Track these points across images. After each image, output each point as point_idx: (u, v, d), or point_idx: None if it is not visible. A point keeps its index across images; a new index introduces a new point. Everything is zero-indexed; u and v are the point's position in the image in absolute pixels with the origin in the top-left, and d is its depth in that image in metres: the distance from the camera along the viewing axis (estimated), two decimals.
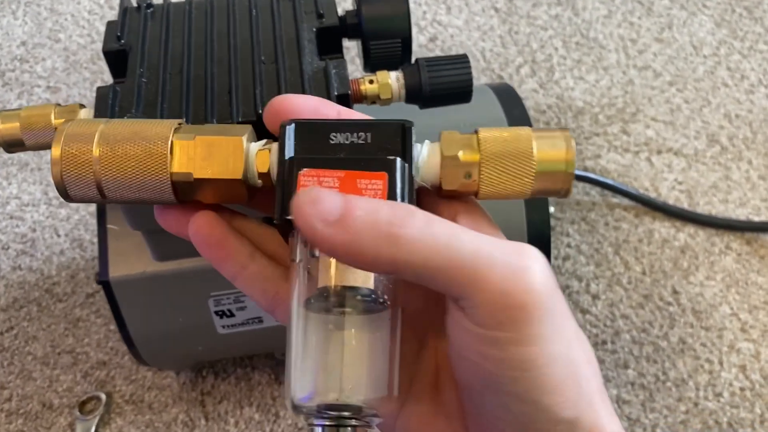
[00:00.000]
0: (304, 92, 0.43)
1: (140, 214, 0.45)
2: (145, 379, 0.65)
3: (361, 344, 0.24)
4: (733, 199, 0.75)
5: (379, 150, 0.25)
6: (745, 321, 0.67)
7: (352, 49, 0.83)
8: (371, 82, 0.45)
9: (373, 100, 0.45)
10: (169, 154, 0.25)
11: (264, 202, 0.28)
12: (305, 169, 0.24)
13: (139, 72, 0.44)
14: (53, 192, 0.77)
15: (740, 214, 0.74)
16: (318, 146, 0.25)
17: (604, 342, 0.66)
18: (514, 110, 0.55)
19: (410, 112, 0.47)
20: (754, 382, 0.63)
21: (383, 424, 0.26)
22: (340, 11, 0.48)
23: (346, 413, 0.24)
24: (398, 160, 0.25)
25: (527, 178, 0.26)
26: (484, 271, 0.22)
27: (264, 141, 0.27)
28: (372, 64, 0.48)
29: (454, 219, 0.26)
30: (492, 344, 0.22)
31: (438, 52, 0.89)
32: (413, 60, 0.47)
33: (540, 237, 0.54)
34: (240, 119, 0.42)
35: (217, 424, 0.62)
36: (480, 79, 0.86)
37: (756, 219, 0.73)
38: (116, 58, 0.46)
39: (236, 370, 0.65)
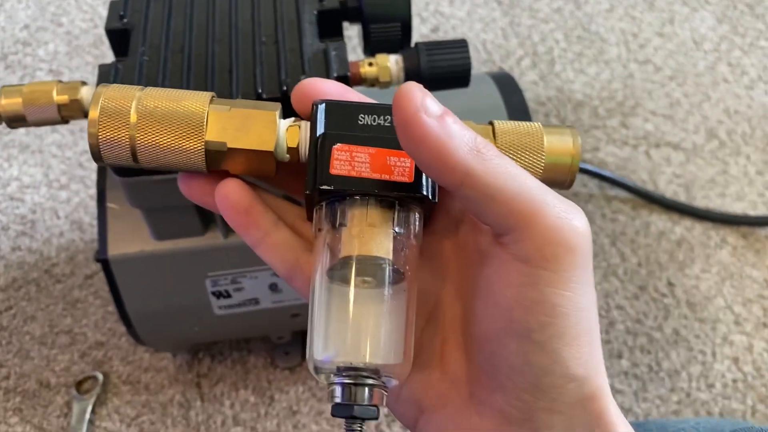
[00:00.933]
0: (303, 73, 0.43)
1: (141, 192, 0.46)
2: (141, 361, 0.65)
3: (380, 311, 0.25)
4: (730, 193, 0.75)
5: None
6: (738, 314, 0.67)
7: (353, 38, 0.84)
8: (370, 64, 0.45)
9: (372, 82, 0.46)
10: (204, 123, 0.26)
11: (284, 180, 0.29)
12: (339, 144, 0.26)
13: (141, 50, 0.45)
14: (53, 174, 0.78)
15: (737, 208, 0.74)
16: (347, 125, 0.26)
17: None
18: (513, 98, 0.56)
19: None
20: (747, 374, 0.64)
21: (390, 391, 0.27)
22: None
23: (364, 374, 0.25)
24: None
25: (536, 168, 0.28)
26: (543, 206, 0.23)
27: (292, 118, 0.28)
28: (372, 47, 0.48)
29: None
30: (529, 283, 0.23)
31: None
32: (413, 44, 0.47)
33: None
34: (240, 98, 0.42)
35: (213, 405, 0.63)
36: (480, 70, 0.86)
37: (752, 213, 0.73)
38: (118, 36, 0.46)
39: (232, 353, 0.66)
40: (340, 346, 0.25)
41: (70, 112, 0.44)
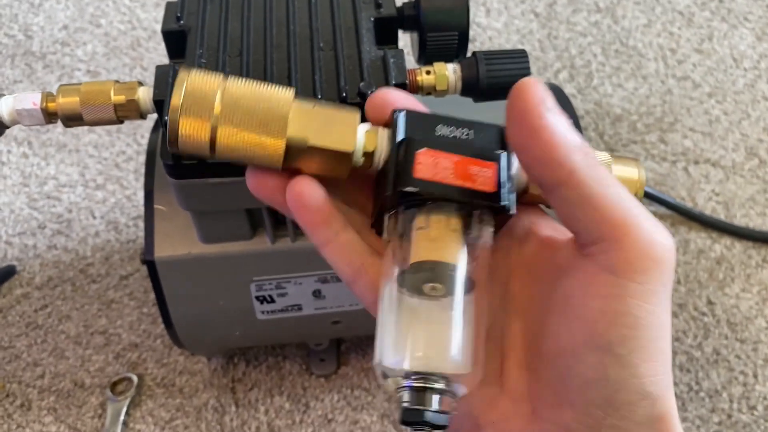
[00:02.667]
0: (362, 80, 0.43)
1: (194, 195, 0.46)
2: (176, 363, 0.65)
3: (451, 318, 0.25)
4: None
5: (481, 145, 0.27)
6: None
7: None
8: (428, 73, 0.45)
9: (429, 91, 0.45)
10: (287, 118, 0.26)
11: (347, 191, 0.29)
12: (424, 149, 0.26)
13: (199, 53, 0.45)
14: (90, 174, 0.78)
15: None
16: (426, 134, 0.27)
17: None
18: (564, 110, 0.55)
19: (463, 105, 0.48)
20: None
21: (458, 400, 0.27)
22: (398, 2, 0.48)
23: (433, 380, 0.24)
24: (505, 154, 0.27)
25: None
26: (637, 218, 0.24)
27: (369, 123, 0.28)
28: (427, 55, 0.48)
29: (532, 223, 0.28)
30: (616, 295, 0.23)
31: None
32: (468, 53, 0.47)
33: None
34: None
35: (248, 411, 0.62)
36: None
37: None
38: (175, 38, 0.46)
39: (267, 359, 0.65)
40: (411, 352, 0.25)
41: (126, 112, 0.44)
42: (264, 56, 0.44)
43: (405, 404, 0.24)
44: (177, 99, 0.26)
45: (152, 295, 0.68)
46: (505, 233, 0.29)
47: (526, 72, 0.45)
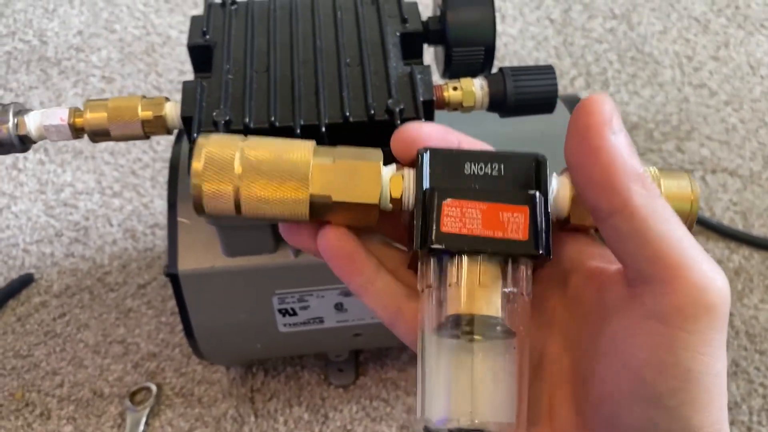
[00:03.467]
0: (390, 97, 0.43)
1: None
2: (195, 373, 0.65)
3: (491, 370, 0.25)
4: None
5: (513, 182, 0.26)
6: None
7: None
8: (455, 88, 0.45)
9: (456, 107, 0.45)
10: (309, 176, 0.26)
11: (384, 225, 0.28)
12: (449, 200, 0.25)
13: (226, 68, 0.44)
14: (106, 181, 0.78)
15: None
16: (453, 175, 0.26)
17: None
18: None
19: (489, 120, 0.48)
20: None
21: None
22: (423, 16, 0.48)
23: None
24: (537, 194, 0.25)
25: None
26: (692, 260, 0.22)
27: (394, 165, 0.28)
28: (453, 70, 0.48)
29: (579, 252, 0.27)
30: (665, 345, 0.22)
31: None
32: (495, 68, 0.47)
33: None
34: (327, 121, 0.42)
35: (267, 421, 0.62)
36: None
37: None
38: (200, 53, 0.46)
39: (286, 369, 0.65)
40: (453, 407, 0.25)
41: (154, 128, 0.44)
42: (291, 72, 0.44)
43: None
44: (198, 165, 0.26)
45: (170, 304, 0.68)
46: (552, 264, 0.27)
47: (554, 88, 0.44)
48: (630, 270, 0.24)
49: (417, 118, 0.42)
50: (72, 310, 0.69)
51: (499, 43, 0.90)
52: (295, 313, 0.53)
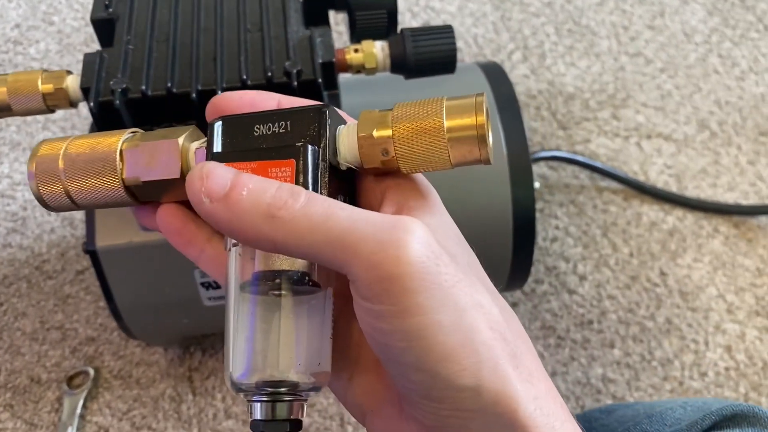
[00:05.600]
0: (288, 59, 0.43)
1: None
2: (133, 355, 0.65)
3: (294, 324, 0.25)
4: (721, 183, 0.75)
5: (296, 137, 0.25)
6: (731, 302, 0.67)
7: (343, 34, 0.84)
8: (356, 51, 0.45)
9: (358, 69, 0.46)
10: (119, 162, 0.28)
11: None
12: (225, 164, 0.25)
13: (126, 39, 0.45)
14: None
15: (729, 198, 0.74)
16: (242, 140, 0.26)
17: (591, 322, 0.66)
18: (501, 87, 0.55)
19: (396, 83, 0.48)
20: (739, 362, 0.64)
21: (339, 395, 0.28)
22: None
23: (282, 389, 0.25)
24: (307, 146, 0.25)
25: (441, 150, 0.25)
26: (355, 245, 0.22)
27: (203, 139, 0.28)
28: (358, 34, 0.48)
29: (383, 195, 0.27)
30: (377, 317, 0.23)
31: None
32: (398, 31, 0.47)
33: (525, 213, 0.54)
34: (225, 85, 0.42)
35: (204, 398, 0.63)
36: None
37: (744, 203, 0.73)
38: (104, 26, 0.46)
39: (223, 347, 0.65)
40: (256, 362, 0.25)
41: (56, 101, 0.44)
42: (191, 40, 0.45)
43: (257, 419, 0.25)
44: (31, 167, 0.28)
45: None
46: None
47: (452, 47, 0.45)
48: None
49: (315, 79, 0.43)
50: (9, 300, 0.69)
51: (438, 20, 0.91)
52: (217, 287, 0.53)
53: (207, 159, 0.26)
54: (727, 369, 0.63)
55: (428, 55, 0.45)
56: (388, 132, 0.26)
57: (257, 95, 0.28)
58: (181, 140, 0.28)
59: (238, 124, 0.26)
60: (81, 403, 0.62)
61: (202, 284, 0.53)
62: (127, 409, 0.62)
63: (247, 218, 0.23)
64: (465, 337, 0.23)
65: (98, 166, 0.28)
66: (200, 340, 0.66)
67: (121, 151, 0.28)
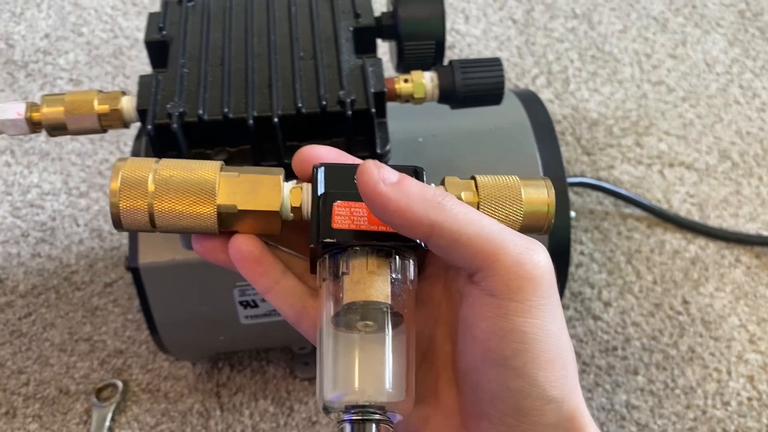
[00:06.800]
0: (341, 88, 0.44)
1: None
2: (161, 369, 0.66)
3: (382, 352, 0.28)
4: (743, 213, 0.76)
5: None
6: (753, 332, 0.68)
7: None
8: (406, 81, 0.46)
9: (407, 98, 0.47)
10: (217, 188, 0.29)
11: (290, 240, 0.31)
12: (339, 201, 0.28)
13: (181, 62, 0.45)
14: (73, 182, 0.78)
15: (750, 228, 0.75)
16: (344, 184, 0.29)
17: (615, 348, 0.67)
18: (539, 116, 0.56)
19: (441, 112, 0.49)
20: (762, 392, 0.65)
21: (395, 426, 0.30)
22: (376, 12, 0.49)
23: (371, 411, 0.27)
24: None
25: (516, 217, 0.30)
26: (503, 245, 0.26)
27: (294, 181, 0.31)
28: (405, 64, 0.49)
29: None
30: (501, 315, 0.26)
31: None
32: (446, 62, 0.48)
33: (561, 239, 0.55)
34: (280, 113, 0.43)
35: (232, 415, 0.63)
36: None
37: (766, 234, 0.74)
38: (157, 48, 0.47)
39: (252, 363, 0.66)
40: (348, 386, 0.27)
41: (110, 121, 0.45)
42: (245, 65, 0.45)
43: None
44: (115, 185, 0.29)
45: (137, 302, 0.69)
46: (434, 260, 0.31)
47: (500, 79, 0.46)
48: (465, 269, 0.28)
49: (368, 108, 0.44)
50: (38, 310, 0.69)
51: (464, 43, 0.92)
52: (256, 305, 0.54)
53: (313, 197, 0.29)
54: (749, 399, 0.64)
55: (477, 87, 0.46)
56: (475, 197, 0.30)
57: (338, 152, 0.31)
58: (281, 178, 0.30)
59: (337, 171, 0.29)
60: (110, 416, 0.62)
61: (241, 303, 0.53)
62: (155, 423, 0.63)
63: (416, 200, 0.26)
64: (561, 352, 0.26)
65: (195, 189, 0.29)
66: (229, 355, 0.66)
67: (218, 178, 0.29)
